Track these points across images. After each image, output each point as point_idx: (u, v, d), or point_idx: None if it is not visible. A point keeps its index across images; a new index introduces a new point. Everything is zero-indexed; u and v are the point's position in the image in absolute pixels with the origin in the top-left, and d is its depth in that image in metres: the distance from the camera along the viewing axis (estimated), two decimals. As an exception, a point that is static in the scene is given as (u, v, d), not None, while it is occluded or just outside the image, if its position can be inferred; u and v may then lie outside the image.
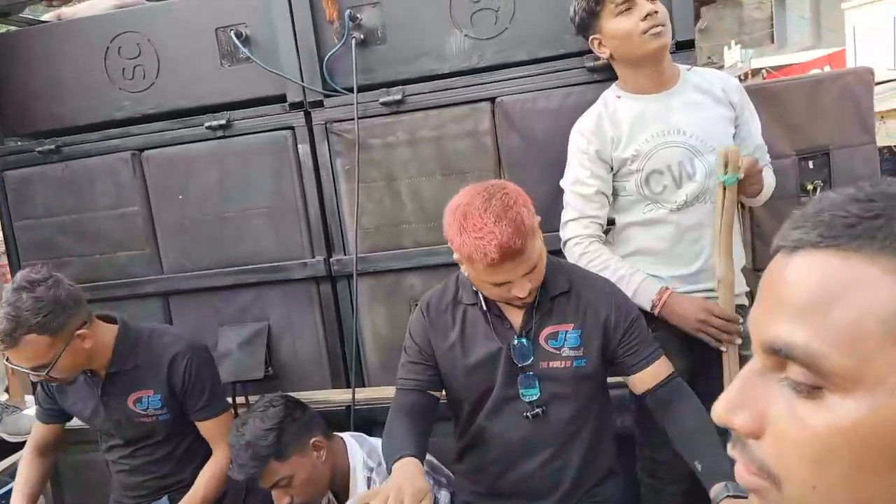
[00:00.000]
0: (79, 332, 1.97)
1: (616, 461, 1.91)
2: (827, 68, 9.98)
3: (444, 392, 1.86)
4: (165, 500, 2.20)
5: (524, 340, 1.73)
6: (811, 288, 0.52)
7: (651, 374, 1.73)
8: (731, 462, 1.69)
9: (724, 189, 1.91)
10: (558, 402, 1.75)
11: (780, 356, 0.53)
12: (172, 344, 2.16)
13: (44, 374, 1.93)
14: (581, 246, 2.06)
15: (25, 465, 2.26)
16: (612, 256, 2.05)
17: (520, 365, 1.73)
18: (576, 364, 1.73)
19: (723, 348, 1.96)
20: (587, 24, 2.04)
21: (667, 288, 2.00)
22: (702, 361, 2.07)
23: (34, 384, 2.30)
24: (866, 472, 0.49)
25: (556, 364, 1.73)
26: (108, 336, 2.11)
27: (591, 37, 2.06)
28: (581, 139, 2.08)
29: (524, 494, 1.81)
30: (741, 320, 1.95)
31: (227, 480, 2.13)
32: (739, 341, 1.95)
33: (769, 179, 2.16)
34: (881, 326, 0.49)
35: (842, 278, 0.51)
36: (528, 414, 1.75)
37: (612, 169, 2.06)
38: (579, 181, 2.07)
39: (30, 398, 3.03)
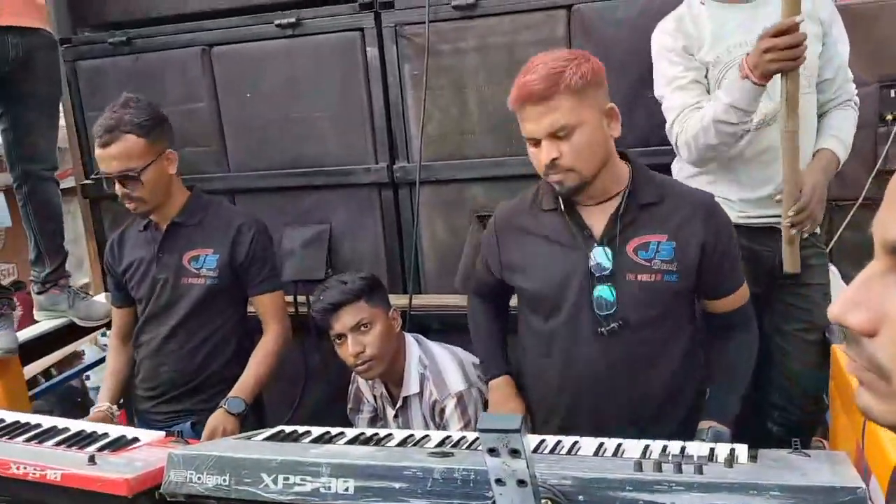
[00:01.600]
0: (168, 150, 2.11)
1: (703, 397, 1.74)
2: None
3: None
4: (188, 426, 2.15)
5: (605, 248, 1.61)
6: None
7: (726, 302, 1.69)
8: (736, 404, 1.63)
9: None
10: (639, 319, 1.61)
11: None
12: (241, 214, 2.24)
13: (132, 178, 2.02)
14: (685, 127, 1.93)
15: (111, 354, 2.37)
16: (688, 119, 1.93)
17: (597, 275, 1.61)
18: (666, 278, 1.60)
19: None
20: None
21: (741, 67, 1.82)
22: (768, 288, 2.05)
23: (107, 268, 2.35)
24: None
25: (644, 277, 1.60)
26: (182, 190, 2.20)
27: None
28: (666, 38, 1.98)
29: (596, 428, 1.60)
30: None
31: (280, 362, 2.18)
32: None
33: (850, 121, 2.05)
34: None
35: None
36: (602, 329, 1.61)
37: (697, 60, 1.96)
38: (673, 78, 1.96)
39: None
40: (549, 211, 1.69)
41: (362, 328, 2.03)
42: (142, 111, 2.05)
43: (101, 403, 2.22)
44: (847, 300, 0.56)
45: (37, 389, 3.83)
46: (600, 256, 1.61)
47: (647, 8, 2.17)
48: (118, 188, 2.06)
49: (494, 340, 1.90)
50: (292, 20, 2.47)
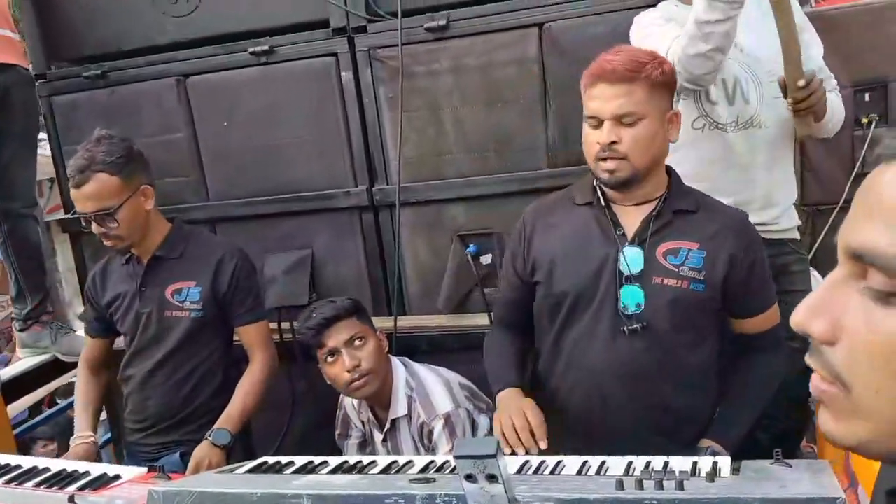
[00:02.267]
0: (144, 186, 2.09)
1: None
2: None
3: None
4: (177, 457, 2.16)
5: (636, 248, 1.60)
6: None
7: (753, 323, 1.68)
8: (743, 429, 1.60)
9: None
10: (663, 324, 1.59)
11: (863, 262, 0.53)
12: (223, 245, 2.24)
13: (108, 216, 2.00)
14: (675, 46, 1.87)
15: (81, 383, 2.33)
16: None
17: (626, 274, 1.60)
18: (692, 287, 1.59)
19: None
20: None
21: None
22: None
23: (86, 299, 2.34)
24: None
25: (670, 282, 1.59)
26: (162, 223, 2.19)
27: None
28: (647, 17, 2.00)
29: (612, 435, 1.62)
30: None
31: (266, 391, 2.17)
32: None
33: (836, 104, 2.05)
34: None
35: None
36: (625, 328, 1.59)
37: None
38: (665, 34, 1.92)
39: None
40: (583, 206, 1.68)
41: (356, 342, 2.03)
42: (114, 148, 2.04)
43: (82, 433, 2.19)
44: (808, 308, 0.56)
45: (39, 418, 3.83)
46: (632, 256, 1.60)
47: (619, 24, 2.19)
48: (95, 227, 2.05)
49: (506, 357, 1.79)
50: (266, 48, 2.47)
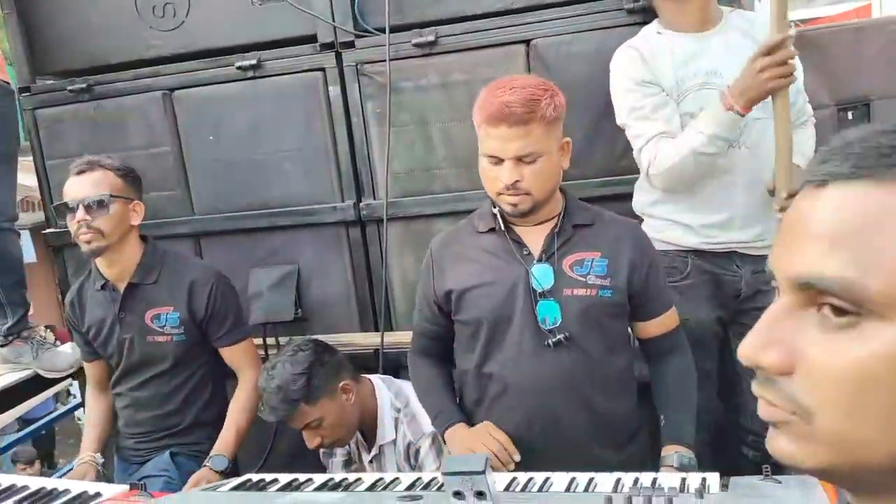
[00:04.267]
0: (137, 201, 2.17)
1: (638, 412, 1.83)
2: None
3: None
4: (167, 455, 2.20)
5: (545, 265, 1.67)
6: (846, 217, 0.52)
7: (657, 325, 1.75)
8: (692, 426, 1.72)
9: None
10: (581, 332, 1.66)
11: (813, 290, 0.53)
12: (197, 268, 2.24)
13: (101, 204, 2.04)
14: (657, 157, 1.94)
15: (89, 404, 2.35)
16: (655, 148, 1.94)
17: (539, 290, 1.66)
18: (601, 293, 1.67)
19: None
20: None
21: (722, 91, 1.85)
22: (734, 312, 2.06)
23: (70, 326, 2.33)
24: None
25: (580, 291, 1.67)
26: (138, 244, 2.19)
27: None
28: (624, 67, 2.01)
29: (553, 446, 1.68)
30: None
31: (257, 408, 2.15)
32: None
33: (810, 137, 2.09)
34: None
35: (881, 206, 0.50)
36: (549, 342, 1.65)
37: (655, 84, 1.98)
38: (633, 108, 1.98)
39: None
40: (486, 233, 1.74)
41: (312, 425, 1.99)
42: (118, 163, 2.15)
43: (84, 454, 2.22)
44: (757, 340, 0.56)
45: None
46: (542, 272, 1.67)
47: (604, 42, 2.20)
48: (79, 214, 2.04)
49: (440, 393, 1.85)
50: (253, 62, 2.47)
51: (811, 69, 2.35)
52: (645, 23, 2.13)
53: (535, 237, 1.70)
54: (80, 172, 2.08)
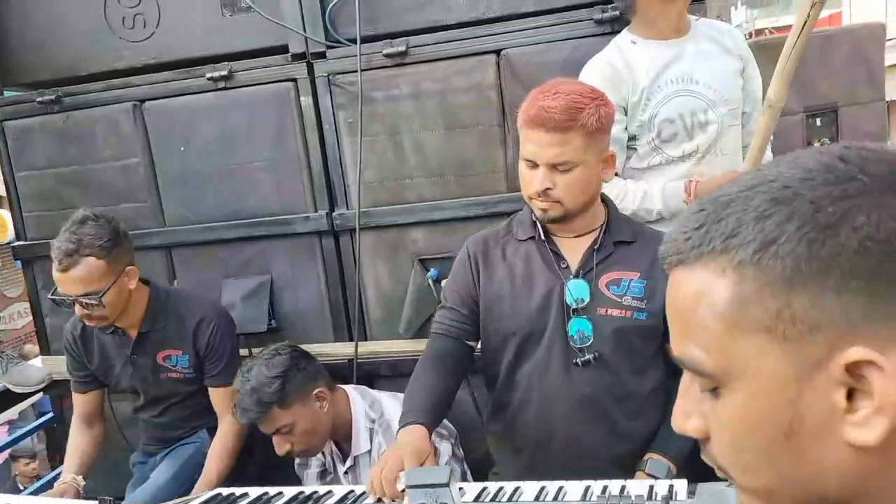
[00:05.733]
0: (129, 267, 2.10)
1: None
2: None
3: (479, 343, 1.77)
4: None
5: (581, 281, 1.63)
6: (678, 303, 0.58)
7: None
8: (684, 441, 1.68)
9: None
10: (611, 353, 1.62)
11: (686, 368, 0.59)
12: (201, 308, 2.26)
13: (94, 301, 2.00)
14: (624, 198, 1.97)
15: (72, 435, 2.32)
16: (627, 182, 2.00)
17: (574, 307, 1.62)
18: (636, 316, 1.62)
19: None
20: None
21: (691, 180, 1.93)
22: None
23: (68, 354, 2.31)
24: (776, 447, 0.53)
25: (615, 312, 1.62)
26: (142, 293, 2.20)
27: None
28: (594, 73, 2.01)
29: (571, 464, 1.61)
30: None
31: (236, 454, 2.20)
32: None
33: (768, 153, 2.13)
34: (722, 322, 0.54)
35: (693, 289, 0.56)
36: (578, 360, 1.61)
37: (625, 112, 2.01)
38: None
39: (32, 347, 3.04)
40: (524, 241, 1.70)
41: (283, 431, 1.98)
42: (101, 231, 2.03)
43: (66, 475, 2.19)
44: (679, 412, 0.61)
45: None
46: (577, 288, 1.62)
47: (575, 52, 2.22)
48: (78, 309, 2.05)
49: (427, 393, 1.66)
50: (224, 73, 2.46)
51: (781, 77, 2.38)
52: (614, 32, 2.15)
53: (574, 250, 1.67)
54: (64, 269, 1.98)
